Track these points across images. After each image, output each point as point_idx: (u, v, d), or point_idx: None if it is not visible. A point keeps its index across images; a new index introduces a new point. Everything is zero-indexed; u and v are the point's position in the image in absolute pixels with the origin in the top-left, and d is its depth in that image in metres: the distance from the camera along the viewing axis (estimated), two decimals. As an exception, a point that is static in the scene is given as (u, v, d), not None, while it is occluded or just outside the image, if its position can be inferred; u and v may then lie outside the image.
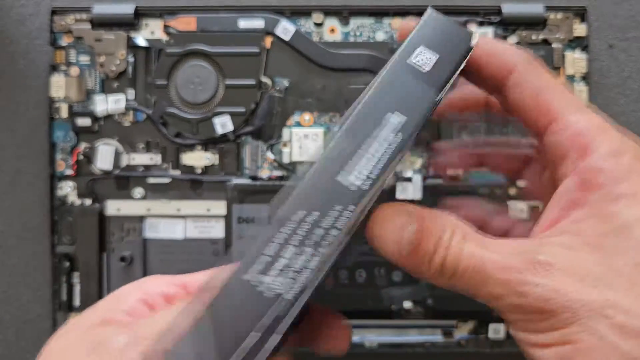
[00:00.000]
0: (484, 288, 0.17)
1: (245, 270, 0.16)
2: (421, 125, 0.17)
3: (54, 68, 0.33)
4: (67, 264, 0.32)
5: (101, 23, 0.33)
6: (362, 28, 0.33)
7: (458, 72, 0.18)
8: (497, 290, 0.17)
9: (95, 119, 0.33)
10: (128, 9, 0.32)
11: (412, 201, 0.31)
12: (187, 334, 0.15)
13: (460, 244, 0.17)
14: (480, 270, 0.17)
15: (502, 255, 0.17)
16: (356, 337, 0.32)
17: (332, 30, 0.33)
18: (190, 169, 0.33)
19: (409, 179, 0.31)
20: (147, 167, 0.33)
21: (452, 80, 0.17)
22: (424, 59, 0.17)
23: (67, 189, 0.33)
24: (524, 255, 0.17)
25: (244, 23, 0.33)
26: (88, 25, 0.33)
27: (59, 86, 0.33)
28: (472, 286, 0.17)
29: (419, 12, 0.33)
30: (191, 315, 0.16)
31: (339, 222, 0.16)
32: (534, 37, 0.33)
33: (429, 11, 0.18)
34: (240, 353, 0.15)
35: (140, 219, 0.33)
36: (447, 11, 0.33)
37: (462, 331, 0.32)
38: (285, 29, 0.33)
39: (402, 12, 0.33)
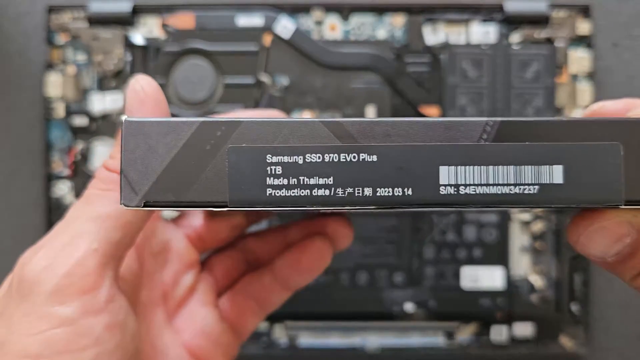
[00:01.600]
0: None
1: None
2: None
3: (50, 67, 0.32)
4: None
5: (98, 21, 0.32)
6: (363, 26, 0.33)
7: None
8: None
9: (92, 118, 0.32)
10: (125, 7, 0.32)
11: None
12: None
13: None
14: None
15: None
16: (357, 340, 0.32)
17: (333, 28, 0.33)
18: (188, 169, 0.32)
19: None
20: (144, 167, 0.32)
21: None
22: None
23: (64, 190, 0.32)
24: None
25: (243, 21, 0.32)
26: (85, 23, 0.32)
27: (55, 85, 0.32)
28: None
29: (421, 10, 0.32)
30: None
31: None
32: (536, 35, 0.32)
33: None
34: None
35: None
36: (448, 8, 0.32)
37: (464, 333, 0.32)
38: (285, 27, 0.32)
39: (403, 9, 0.32)
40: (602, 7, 0.33)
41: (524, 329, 0.32)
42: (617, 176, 0.15)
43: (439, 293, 0.32)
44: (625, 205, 0.16)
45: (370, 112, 0.32)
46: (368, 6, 0.32)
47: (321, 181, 0.15)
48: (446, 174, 0.15)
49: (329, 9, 0.32)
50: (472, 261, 0.32)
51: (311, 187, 0.15)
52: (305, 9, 0.32)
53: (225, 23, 0.32)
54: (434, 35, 0.33)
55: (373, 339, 0.32)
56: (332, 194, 0.15)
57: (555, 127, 0.16)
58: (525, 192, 0.15)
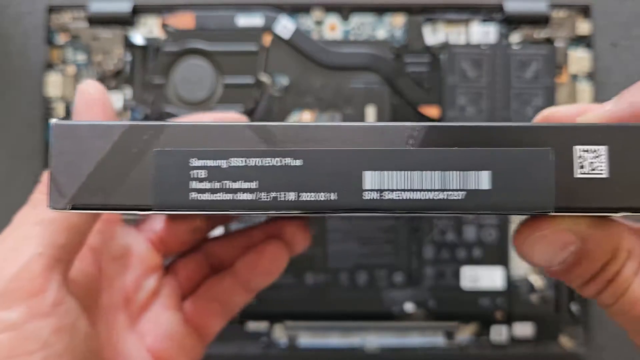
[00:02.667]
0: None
1: None
2: None
3: (50, 67, 0.32)
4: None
5: (98, 21, 0.32)
6: (363, 26, 0.33)
7: None
8: None
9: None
10: (125, 7, 0.32)
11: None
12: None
13: (631, 276, 0.16)
14: None
15: None
16: (357, 340, 0.32)
17: (333, 28, 0.33)
18: (188, 169, 0.32)
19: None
20: (144, 167, 0.32)
21: None
22: None
23: (64, 189, 0.32)
24: None
25: (243, 21, 0.32)
26: (85, 23, 0.32)
27: (55, 85, 0.32)
28: (629, 330, 0.16)
29: (420, 10, 0.32)
30: None
31: None
32: (536, 35, 0.32)
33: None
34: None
35: (138, 219, 0.32)
36: (448, 8, 0.32)
37: (464, 333, 0.32)
38: (285, 27, 0.32)
39: (403, 9, 0.32)
40: (602, 7, 0.33)
41: (524, 329, 0.32)
42: (547, 183, 0.15)
43: (438, 293, 0.32)
44: (556, 212, 0.15)
45: (370, 112, 0.32)
46: (368, 6, 0.32)
47: (245, 185, 0.15)
48: (370, 179, 0.15)
49: (329, 9, 0.32)
50: (471, 261, 0.32)
51: (235, 191, 0.15)
52: (305, 9, 0.32)
53: (225, 23, 0.32)
54: (434, 35, 0.33)
55: (372, 339, 0.32)
56: (256, 198, 0.15)
57: (483, 133, 0.15)
58: (451, 197, 0.15)
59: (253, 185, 0.15)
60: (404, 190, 0.15)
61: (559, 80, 0.32)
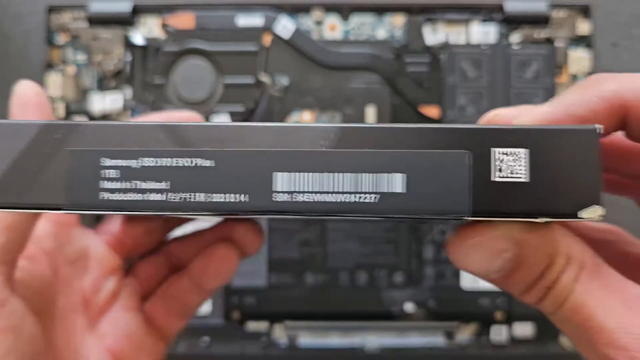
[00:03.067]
0: (584, 350, 0.15)
1: None
2: None
3: (50, 66, 0.32)
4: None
5: (98, 21, 0.32)
6: (363, 26, 0.33)
7: None
8: None
9: (92, 118, 0.32)
10: (125, 7, 0.32)
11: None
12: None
13: (571, 282, 0.15)
14: (584, 327, 0.15)
15: (619, 320, 0.14)
16: (357, 340, 0.32)
17: (333, 28, 0.33)
18: (188, 169, 0.32)
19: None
20: (144, 167, 0.32)
21: None
22: None
23: (64, 189, 0.32)
24: None
25: (243, 21, 0.32)
26: (85, 23, 0.32)
27: (55, 85, 0.32)
28: (572, 338, 0.15)
29: (421, 10, 0.32)
30: None
31: None
32: (536, 35, 0.32)
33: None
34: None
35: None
36: (448, 8, 0.32)
37: (464, 333, 0.32)
38: (285, 27, 0.32)
39: (403, 9, 0.32)
40: (602, 7, 0.33)
41: (524, 329, 0.32)
42: (463, 187, 0.15)
43: (438, 293, 0.32)
44: (473, 217, 0.15)
45: (370, 112, 0.32)
46: (368, 6, 0.32)
47: (155, 186, 0.15)
48: (281, 181, 0.15)
49: (329, 8, 0.32)
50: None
51: (145, 191, 0.15)
52: (305, 9, 0.32)
53: (225, 23, 0.32)
54: (434, 35, 0.33)
55: (373, 339, 0.32)
56: (166, 198, 0.15)
57: (398, 134, 0.15)
58: (364, 200, 0.15)
59: (163, 185, 0.15)
60: (315, 192, 0.15)
61: (559, 80, 0.32)
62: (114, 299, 0.24)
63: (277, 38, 0.32)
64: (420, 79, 0.32)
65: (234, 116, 0.32)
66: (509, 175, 0.15)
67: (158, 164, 0.15)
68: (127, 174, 0.15)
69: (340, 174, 0.15)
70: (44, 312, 0.21)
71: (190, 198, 0.15)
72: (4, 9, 0.33)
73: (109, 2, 0.32)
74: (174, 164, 0.15)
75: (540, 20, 0.32)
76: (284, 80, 0.32)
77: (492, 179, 0.15)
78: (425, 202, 0.15)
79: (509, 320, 0.32)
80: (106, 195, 0.15)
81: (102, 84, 0.32)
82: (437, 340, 0.32)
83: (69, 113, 0.32)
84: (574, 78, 0.32)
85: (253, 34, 0.32)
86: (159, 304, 0.25)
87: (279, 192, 0.15)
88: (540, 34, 0.32)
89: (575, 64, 0.32)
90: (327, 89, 0.32)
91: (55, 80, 0.32)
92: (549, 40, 0.32)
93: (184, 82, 0.32)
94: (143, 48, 0.32)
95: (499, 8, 0.32)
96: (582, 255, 0.15)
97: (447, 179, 0.15)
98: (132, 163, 0.15)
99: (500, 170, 0.15)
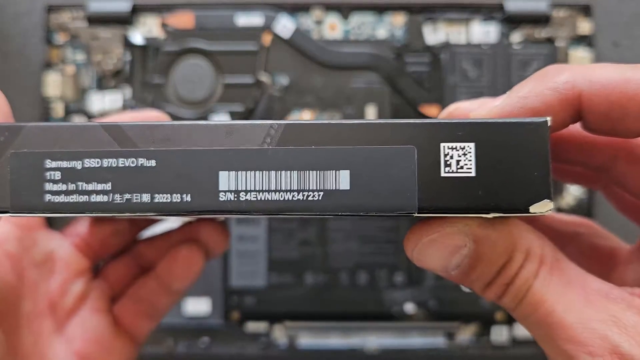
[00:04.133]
0: (546, 347, 0.15)
1: None
2: None
3: (49, 66, 0.32)
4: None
5: (97, 20, 0.32)
6: (363, 25, 0.32)
7: None
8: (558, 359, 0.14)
9: (91, 117, 0.32)
10: (125, 6, 0.32)
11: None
12: None
13: (530, 278, 0.15)
14: (545, 323, 0.14)
15: (579, 316, 0.14)
16: (357, 340, 0.32)
17: (333, 28, 0.32)
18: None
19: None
20: (143, 167, 0.32)
21: None
22: None
23: (63, 189, 0.32)
24: (604, 329, 0.14)
25: (243, 20, 0.32)
26: (84, 23, 0.32)
27: (54, 85, 0.32)
28: (535, 336, 0.15)
29: (421, 9, 0.32)
30: None
31: None
32: (537, 35, 0.32)
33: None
34: None
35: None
36: (449, 8, 0.32)
37: (465, 334, 0.32)
38: (285, 26, 0.32)
39: (404, 8, 0.32)
40: (603, 6, 0.33)
41: (525, 330, 0.32)
42: (410, 182, 0.14)
43: (439, 293, 0.32)
44: (420, 213, 0.14)
45: (371, 112, 0.32)
46: (368, 5, 0.32)
47: (99, 187, 0.15)
48: (226, 180, 0.15)
49: (329, 8, 0.32)
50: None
51: (89, 192, 0.15)
52: (305, 8, 0.32)
53: (225, 22, 0.32)
54: (434, 34, 0.32)
55: (373, 340, 0.32)
56: (110, 200, 0.15)
57: (343, 130, 0.15)
58: (310, 198, 0.15)
59: (107, 186, 0.15)
60: (261, 191, 0.15)
61: (560, 79, 0.32)
62: (82, 302, 0.23)
63: (276, 37, 0.32)
64: (420, 79, 0.32)
65: (234, 116, 0.32)
66: (458, 170, 0.14)
67: (101, 165, 0.15)
68: (70, 175, 0.15)
69: (286, 172, 0.15)
70: (7, 317, 0.21)
71: (134, 199, 0.15)
72: (3, 8, 0.33)
73: (108, 1, 0.32)
74: (117, 165, 0.15)
75: (541, 20, 0.32)
76: (283, 80, 0.32)
77: (441, 174, 0.14)
78: (371, 199, 0.15)
79: (509, 321, 0.32)
80: (51, 198, 0.15)
81: (102, 84, 0.32)
82: (437, 340, 0.32)
83: (68, 113, 0.32)
84: (575, 78, 0.32)
85: (253, 33, 0.32)
86: (128, 306, 0.24)
87: (223, 191, 0.15)
88: (541, 33, 0.32)
89: (576, 63, 0.32)
90: (327, 88, 0.32)
91: (54, 80, 0.32)
92: (550, 40, 0.32)
93: (184, 82, 0.32)
94: (142, 47, 0.32)
95: (500, 7, 0.32)
96: (541, 251, 0.15)
97: (394, 175, 0.15)
98: (76, 164, 0.15)
99: (448, 165, 0.14)
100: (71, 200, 0.15)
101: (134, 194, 0.15)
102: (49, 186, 0.15)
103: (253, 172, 0.15)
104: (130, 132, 0.15)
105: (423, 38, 0.32)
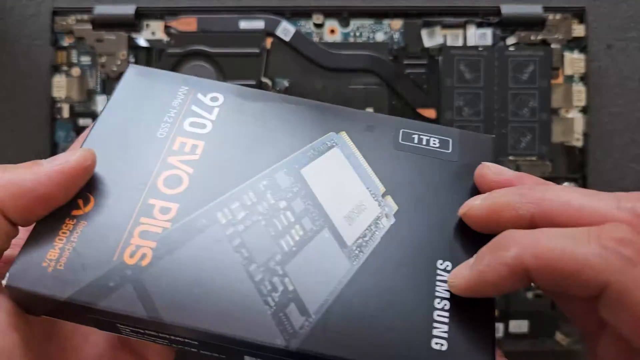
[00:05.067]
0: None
1: None
2: None
3: (55, 68, 0.33)
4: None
5: (102, 24, 0.33)
6: (362, 29, 0.33)
7: None
8: None
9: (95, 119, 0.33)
10: (129, 10, 0.33)
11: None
12: None
13: None
14: None
15: None
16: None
17: (332, 31, 0.33)
18: (191, 169, 0.33)
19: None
20: (148, 167, 0.33)
21: None
22: None
23: (69, 189, 0.33)
24: None
25: (245, 24, 0.33)
26: (89, 26, 0.33)
27: (60, 87, 0.33)
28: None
29: (418, 13, 0.33)
30: None
31: None
32: (532, 38, 0.33)
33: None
34: None
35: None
36: (446, 12, 0.33)
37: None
38: (286, 29, 0.33)
39: (401, 14, 0.33)
40: (597, 10, 0.34)
41: (520, 326, 0.32)
42: None
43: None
44: None
45: (369, 113, 0.33)
46: (367, 11, 0.33)
47: None
48: None
49: (328, 14, 0.33)
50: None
51: None
52: (306, 15, 0.33)
53: (227, 26, 0.33)
54: (432, 38, 0.33)
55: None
56: None
57: None
58: None
59: None
60: None
61: (555, 81, 0.33)
62: None
63: (278, 41, 0.33)
64: (418, 81, 0.33)
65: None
66: None
67: None
68: None
69: None
70: None
71: None
72: (10, 11, 0.34)
73: (113, 5, 0.33)
74: None
75: (536, 23, 0.33)
76: (285, 82, 0.33)
77: None
78: None
79: (505, 317, 0.32)
80: None
81: (107, 86, 0.33)
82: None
83: (73, 114, 0.33)
84: (570, 79, 0.33)
85: (255, 36, 0.33)
86: None
87: None
88: (537, 36, 0.33)
89: (571, 65, 0.33)
90: (327, 90, 0.33)
91: (60, 82, 0.33)
92: (545, 43, 0.33)
93: (187, 84, 0.32)
94: (147, 50, 0.33)
95: (496, 11, 0.33)
96: None
97: None
98: None
99: None
100: None
101: None
102: None
103: None
104: None
105: (421, 41, 0.33)
